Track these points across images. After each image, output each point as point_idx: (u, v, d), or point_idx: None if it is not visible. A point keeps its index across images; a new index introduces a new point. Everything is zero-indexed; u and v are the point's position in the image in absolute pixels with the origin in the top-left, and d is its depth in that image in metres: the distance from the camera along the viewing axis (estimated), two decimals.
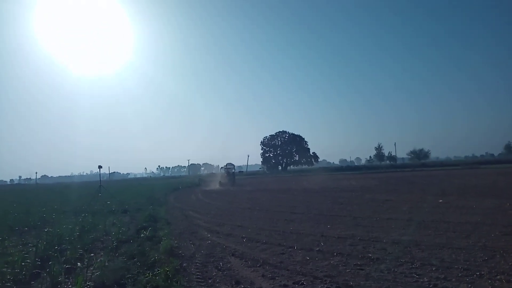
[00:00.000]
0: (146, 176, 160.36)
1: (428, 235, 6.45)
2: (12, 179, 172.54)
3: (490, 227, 6.85)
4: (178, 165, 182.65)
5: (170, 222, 9.96)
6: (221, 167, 40.29)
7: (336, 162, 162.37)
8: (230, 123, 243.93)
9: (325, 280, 4.25)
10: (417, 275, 4.27)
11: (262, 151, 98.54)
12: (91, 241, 7.20)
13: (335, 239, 6.60)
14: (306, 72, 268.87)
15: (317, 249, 5.86)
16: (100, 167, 18.92)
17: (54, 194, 27.86)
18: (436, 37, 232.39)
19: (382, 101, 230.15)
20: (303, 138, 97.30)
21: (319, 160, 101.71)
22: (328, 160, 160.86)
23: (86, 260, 5.46)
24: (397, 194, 15.30)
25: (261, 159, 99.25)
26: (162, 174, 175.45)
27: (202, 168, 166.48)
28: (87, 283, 4.38)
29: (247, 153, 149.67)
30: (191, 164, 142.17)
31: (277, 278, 4.49)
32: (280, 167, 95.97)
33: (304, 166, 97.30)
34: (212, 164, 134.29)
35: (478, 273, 4.20)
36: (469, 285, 3.87)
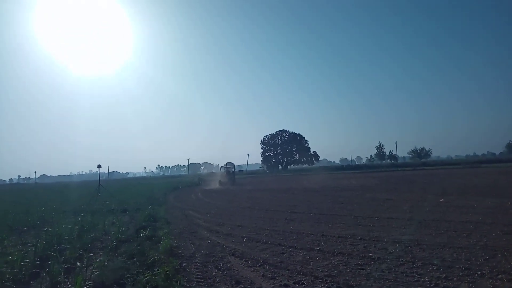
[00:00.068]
0: (145, 175, 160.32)
1: (429, 235, 6.43)
2: (11, 179, 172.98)
3: (491, 226, 6.83)
4: (178, 165, 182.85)
5: (170, 222, 9.93)
6: (221, 167, 40.34)
7: (337, 161, 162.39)
8: (230, 122, 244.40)
9: (326, 280, 4.23)
10: (418, 274, 4.25)
11: (262, 150, 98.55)
12: (90, 241, 7.18)
13: (335, 238, 6.58)
14: (306, 72, 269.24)
15: (318, 248, 5.84)
16: (99, 166, 18.87)
17: (53, 193, 27.84)
18: (436, 37, 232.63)
19: (382, 101, 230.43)
20: (304, 137, 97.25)
21: (319, 159, 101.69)
22: (328, 159, 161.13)
23: (85, 259, 5.43)
24: (397, 193, 15.27)
25: (261, 158, 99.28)
26: (161, 173, 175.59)
27: (202, 168, 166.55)
28: (87, 283, 4.35)
29: (247, 152, 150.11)
30: (190, 163, 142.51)
31: (277, 278, 4.47)
32: (280, 166, 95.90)
33: (305, 165, 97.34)
34: (212, 163, 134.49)
35: (479, 273, 4.18)
36: (470, 285, 3.85)
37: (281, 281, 4.34)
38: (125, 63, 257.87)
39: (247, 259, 5.45)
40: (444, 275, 4.15)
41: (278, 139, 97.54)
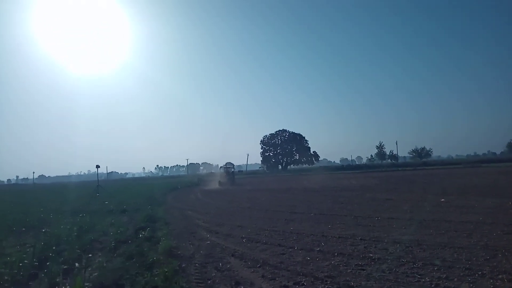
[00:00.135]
0: (144, 175, 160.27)
1: (430, 235, 6.41)
2: (10, 179, 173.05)
3: (491, 226, 6.81)
4: (177, 165, 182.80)
5: (169, 222, 9.90)
6: (221, 167, 40.19)
7: (337, 161, 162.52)
8: (230, 122, 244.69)
9: (326, 281, 4.21)
10: (418, 275, 4.23)
11: (262, 150, 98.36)
12: (89, 242, 7.14)
13: (335, 239, 6.56)
14: (306, 72, 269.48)
15: (318, 249, 5.82)
16: (97, 166, 18.87)
17: (52, 194, 27.79)
18: (436, 37, 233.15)
19: (382, 101, 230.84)
20: (304, 137, 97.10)
21: (319, 159, 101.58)
22: (328, 159, 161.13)
23: (84, 260, 5.41)
24: (398, 193, 15.25)
25: (261, 158, 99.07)
26: (160, 173, 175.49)
27: (201, 168, 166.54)
28: (85, 284, 4.33)
29: (246, 152, 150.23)
30: (190, 163, 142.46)
31: (277, 278, 4.45)
32: (280, 166, 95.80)
33: (305, 165, 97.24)
34: (211, 163, 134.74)
35: (480, 273, 4.16)
36: (471, 285, 3.83)
37: (281, 282, 4.31)
38: (124, 63, 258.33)
39: (246, 260, 5.42)
40: (444, 275, 4.13)
41: (278, 139, 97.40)
